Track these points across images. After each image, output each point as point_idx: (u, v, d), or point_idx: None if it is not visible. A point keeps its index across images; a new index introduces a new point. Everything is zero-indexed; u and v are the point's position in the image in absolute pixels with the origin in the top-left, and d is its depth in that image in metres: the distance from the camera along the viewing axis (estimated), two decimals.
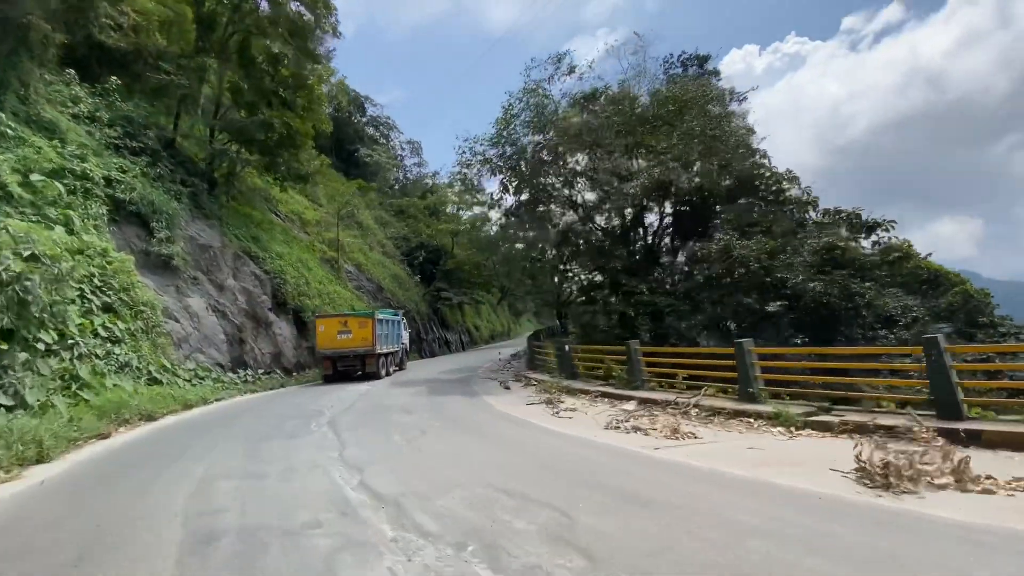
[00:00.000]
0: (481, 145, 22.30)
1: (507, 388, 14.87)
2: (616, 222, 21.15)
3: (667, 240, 21.12)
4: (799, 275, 13.94)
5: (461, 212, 46.44)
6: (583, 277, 24.69)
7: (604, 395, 11.85)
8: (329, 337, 18.77)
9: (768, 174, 19.09)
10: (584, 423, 9.34)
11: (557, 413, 10.51)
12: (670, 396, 10.45)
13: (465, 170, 23.06)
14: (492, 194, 26.17)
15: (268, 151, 22.90)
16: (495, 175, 25.37)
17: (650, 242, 20.29)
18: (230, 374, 16.85)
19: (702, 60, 23.15)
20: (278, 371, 19.56)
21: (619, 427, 8.73)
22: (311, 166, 27.63)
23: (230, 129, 21.94)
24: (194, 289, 17.33)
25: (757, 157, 20.42)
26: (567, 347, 14.44)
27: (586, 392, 12.45)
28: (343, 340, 18.80)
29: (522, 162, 21.96)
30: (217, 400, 14.05)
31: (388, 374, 20.65)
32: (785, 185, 18.83)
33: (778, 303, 14.01)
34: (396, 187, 58.71)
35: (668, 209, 21.10)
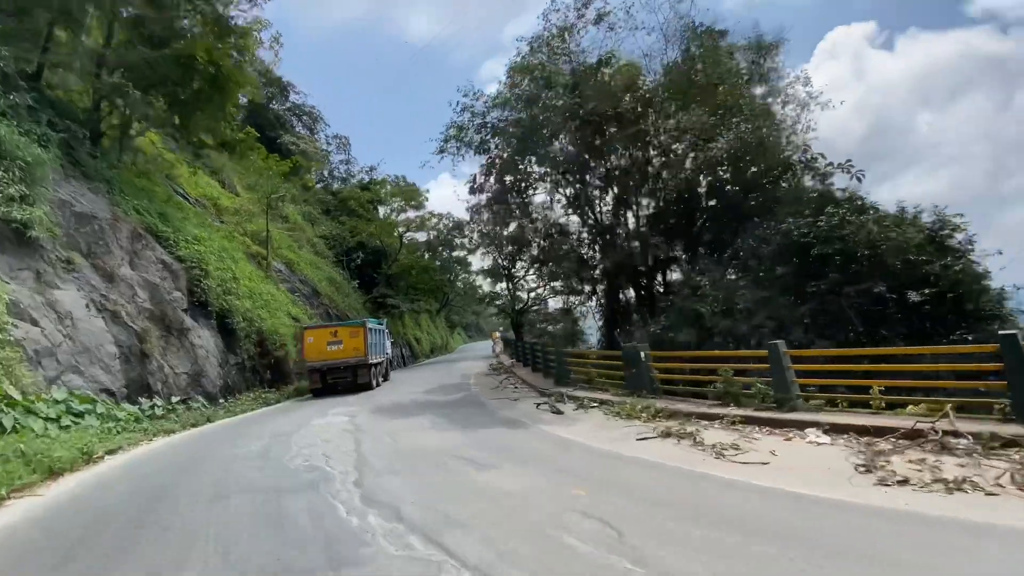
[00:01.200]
0: (483, 104, 18.07)
1: (557, 412, 10.70)
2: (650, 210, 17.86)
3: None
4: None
5: (402, 213, 41.34)
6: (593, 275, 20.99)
7: (748, 420, 8.13)
8: (318, 349, 17.89)
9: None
10: (819, 474, 5.51)
11: (719, 455, 6.61)
12: (879, 420, 6.98)
13: (454, 139, 18.56)
14: (475, 175, 21.92)
15: (182, 104, 17.04)
16: (479, 154, 21.23)
17: (697, 231, 17.01)
18: (126, 406, 11.09)
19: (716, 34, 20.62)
20: (199, 396, 13.78)
21: (881, 477, 5.13)
22: (234, 136, 21.76)
23: (128, 66, 15.82)
24: (67, 277, 11.40)
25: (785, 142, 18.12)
26: (643, 354, 10.58)
27: (708, 416, 8.66)
28: (333, 351, 17.94)
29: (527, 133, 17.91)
30: (109, 454, 8.50)
31: (378, 384, 19.74)
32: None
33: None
34: (323, 185, 52.12)
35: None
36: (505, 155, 21.30)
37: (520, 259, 26.64)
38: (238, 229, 25.71)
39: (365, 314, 35.96)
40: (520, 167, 21.65)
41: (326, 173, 54.62)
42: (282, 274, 26.68)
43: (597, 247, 25.57)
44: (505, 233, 26.70)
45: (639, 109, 18.39)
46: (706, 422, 8.62)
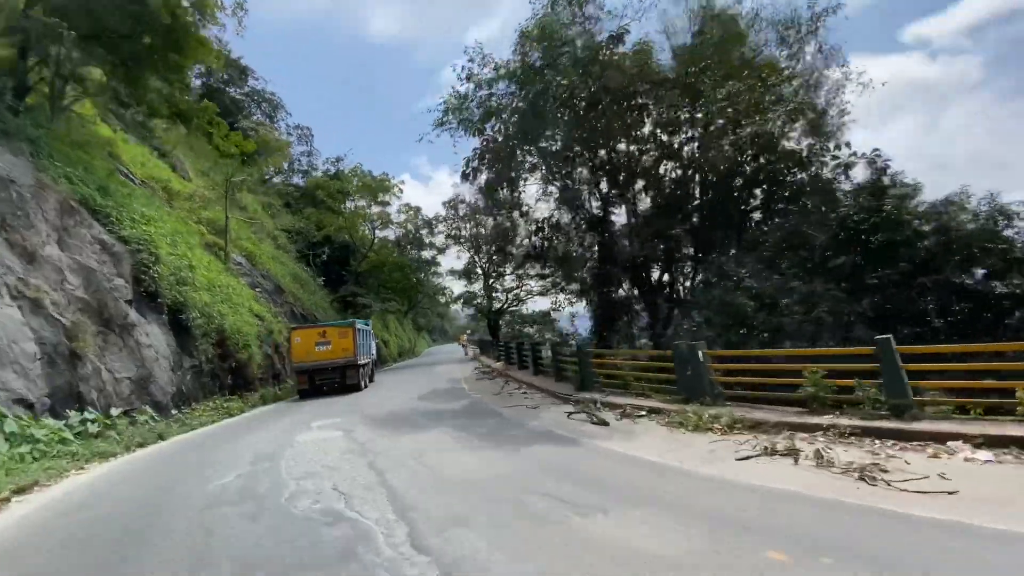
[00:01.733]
0: (490, 72, 16.17)
1: (600, 422, 8.93)
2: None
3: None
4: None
5: (374, 206, 38.66)
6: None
7: (863, 432, 6.62)
8: (306, 349, 17.68)
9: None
10: None
11: (871, 480, 5.04)
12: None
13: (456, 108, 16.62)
14: (467, 159, 19.95)
15: (131, 61, 14.38)
16: (476, 135, 19.32)
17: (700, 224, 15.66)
18: (48, 421, 8.55)
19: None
20: (146, 407, 11.21)
21: None
22: (191, 104, 19.03)
23: (63, 9, 13.03)
24: None
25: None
26: (701, 353, 8.97)
27: (804, 428, 7.13)
28: (322, 352, 17.70)
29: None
30: (17, 494, 6.11)
31: (366, 386, 19.59)
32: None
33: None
34: (283, 179, 48.70)
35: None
36: (500, 138, 19.47)
37: (506, 257, 24.61)
38: (192, 216, 22.73)
39: (332, 314, 33.20)
40: (516, 154, 19.88)
41: (286, 165, 51.09)
42: (242, 267, 23.82)
43: (590, 241, 24.13)
44: (492, 224, 24.78)
45: (652, 91, 17.00)
46: (804, 434, 7.07)
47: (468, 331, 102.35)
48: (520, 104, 16.08)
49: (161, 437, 10.07)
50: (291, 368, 18.48)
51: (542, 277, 25.39)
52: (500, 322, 40.57)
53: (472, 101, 16.74)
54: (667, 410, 9.02)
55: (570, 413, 9.96)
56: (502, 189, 23.31)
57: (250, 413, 14.65)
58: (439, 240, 44.71)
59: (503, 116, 18.04)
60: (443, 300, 55.92)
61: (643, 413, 9.34)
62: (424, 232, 45.50)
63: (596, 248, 23.50)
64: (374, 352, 23.58)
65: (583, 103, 17.59)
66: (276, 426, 11.13)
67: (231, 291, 18.51)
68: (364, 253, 36.84)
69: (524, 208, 24.26)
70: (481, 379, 19.40)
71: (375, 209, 39.08)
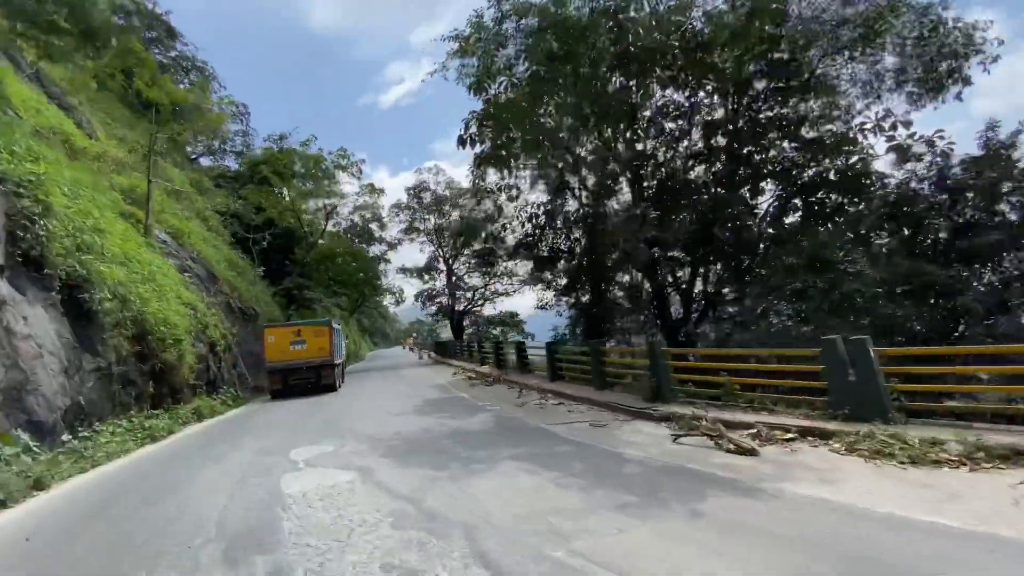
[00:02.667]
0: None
1: (741, 451, 6.18)
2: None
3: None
4: None
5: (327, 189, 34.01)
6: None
7: None
8: (280, 349, 17.32)
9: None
10: None
11: None
12: None
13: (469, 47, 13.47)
14: (466, 120, 16.64)
15: None
16: (477, 94, 16.11)
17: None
18: None
19: None
20: (19, 431, 7.15)
21: None
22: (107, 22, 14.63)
23: None
24: None
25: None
26: (871, 351, 6.44)
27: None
28: (297, 351, 17.36)
29: None
30: None
31: (340, 386, 19.04)
32: None
33: None
34: (211, 160, 42.79)
35: None
36: (503, 99, 16.43)
37: (495, 246, 21.49)
38: (102, 180, 17.86)
39: (275, 308, 28.58)
40: (522, 121, 16.90)
41: (218, 144, 44.91)
42: (168, 247, 19.12)
43: (584, 230, 21.54)
44: (475, 208, 21.56)
45: (691, 52, 14.68)
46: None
47: (413, 334, 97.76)
48: (543, 45, 13.12)
49: (39, 484, 6.17)
50: (265, 367, 18.00)
51: (539, 269, 22.38)
52: (464, 322, 37.23)
53: (492, 31, 13.59)
54: (830, 431, 6.41)
55: (675, 436, 7.11)
56: (497, 168, 20.25)
57: (183, 434, 10.69)
58: (391, 234, 40.81)
59: (514, 70, 15.05)
60: (393, 300, 51.71)
61: (791, 435, 6.66)
62: (374, 226, 41.36)
63: (590, 236, 20.98)
64: (343, 352, 22.41)
65: (605, 62, 14.98)
66: (235, 461, 7.48)
67: (155, 271, 14.19)
68: (312, 241, 32.23)
69: (516, 192, 21.31)
70: (476, 385, 16.17)
71: (328, 198, 34.32)
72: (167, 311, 13.14)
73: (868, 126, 14.27)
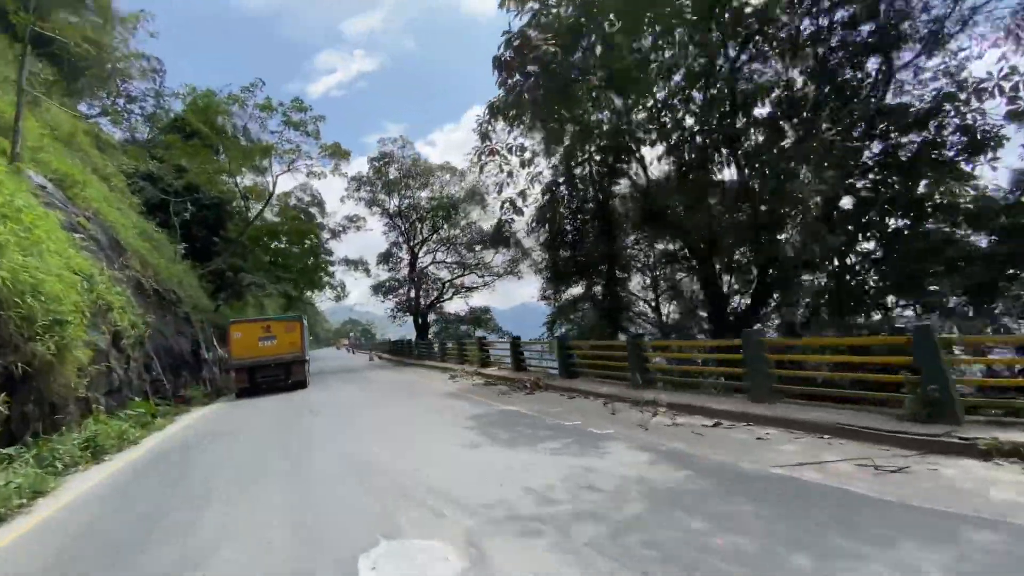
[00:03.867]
0: None
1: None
2: None
3: None
4: None
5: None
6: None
7: None
8: (248, 345, 16.45)
9: None
10: None
11: None
12: None
13: None
14: (500, 46, 12.38)
15: None
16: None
17: None
18: None
19: None
20: None
21: None
22: None
23: None
24: None
25: None
26: None
27: None
28: (266, 347, 16.59)
29: None
30: None
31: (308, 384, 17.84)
32: None
33: None
34: (108, 121, 34.77)
35: None
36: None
37: (512, 213, 17.29)
38: None
39: (201, 293, 22.53)
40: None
41: (123, 103, 36.72)
42: (49, 195, 13.20)
43: (595, 209, 17.93)
44: (483, 171, 17.23)
45: None
46: None
47: (351, 334, 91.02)
48: None
49: None
50: (230, 365, 17.19)
51: (552, 248, 18.40)
52: (429, 319, 32.47)
53: None
54: None
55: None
56: (511, 123, 16.06)
57: (50, 511, 5.71)
58: (334, 220, 35.19)
59: None
60: (333, 295, 45.70)
61: None
62: (315, 210, 35.52)
63: (603, 216, 17.43)
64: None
65: None
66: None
67: (25, 217, 8.77)
68: (249, 217, 26.10)
69: (529, 156, 17.21)
70: (507, 393, 11.94)
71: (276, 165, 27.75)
72: (42, 274, 7.87)
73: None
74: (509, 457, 5.97)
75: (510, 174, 17.46)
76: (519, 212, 16.31)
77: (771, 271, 13.70)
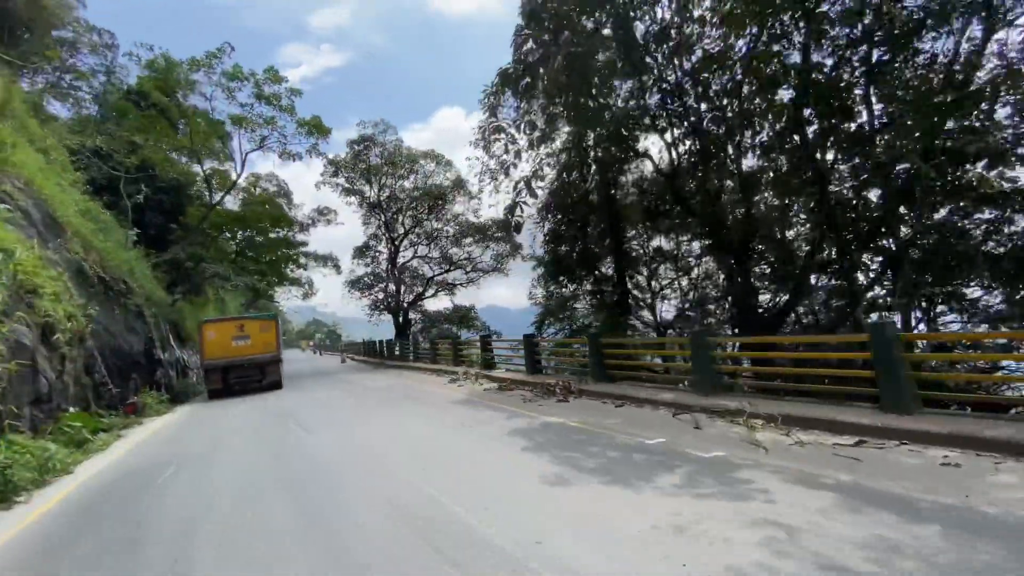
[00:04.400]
0: None
1: None
2: None
3: None
4: None
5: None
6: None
7: None
8: (221, 345, 15.95)
9: None
10: None
11: None
12: None
13: None
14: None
15: None
16: None
17: None
18: None
19: None
20: None
21: None
22: None
23: None
24: None
25: None
26: None
27: None
28: (240, 347, 16.06)
29: None
30: None
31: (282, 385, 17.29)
32: None
33: None
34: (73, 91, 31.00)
35: None
36: None
37: (527, 194, 15.47)
38: None
39: (154, 284, 19.73)
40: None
41: (70, 78, 32.74)
42: None
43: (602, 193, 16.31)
44: (492, 155, 15.36)
45: None
46: None
47: (316, 335, 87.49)
48: None
49: None
50: (203, 365, 16.50)
51: (555, 242, 16.66)
52: (411, 317, 30.20)
53: None
54: None
55: None
56: (521, 97, 14.27)
57: None
58: (302, 213, 32.61)
59: None
60: (300, 293, 42.95)
61: None
62: (282, 201, 32.79)
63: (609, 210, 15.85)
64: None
65: None
66: None
67: None
68: (211, 204, 23.25)
69: (538, 134, 15.43)
70: (533, 400, 10.08)
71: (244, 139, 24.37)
72: None
73: None
74: (634, 504, 4.15)
75: (518, 154, 15.64)
76: (533, 194, 14.49)
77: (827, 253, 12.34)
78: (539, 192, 15.56)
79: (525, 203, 14.18)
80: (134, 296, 16.29)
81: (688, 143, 14.72)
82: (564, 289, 19.51)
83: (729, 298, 14.88)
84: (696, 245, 16.95)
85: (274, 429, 9.23)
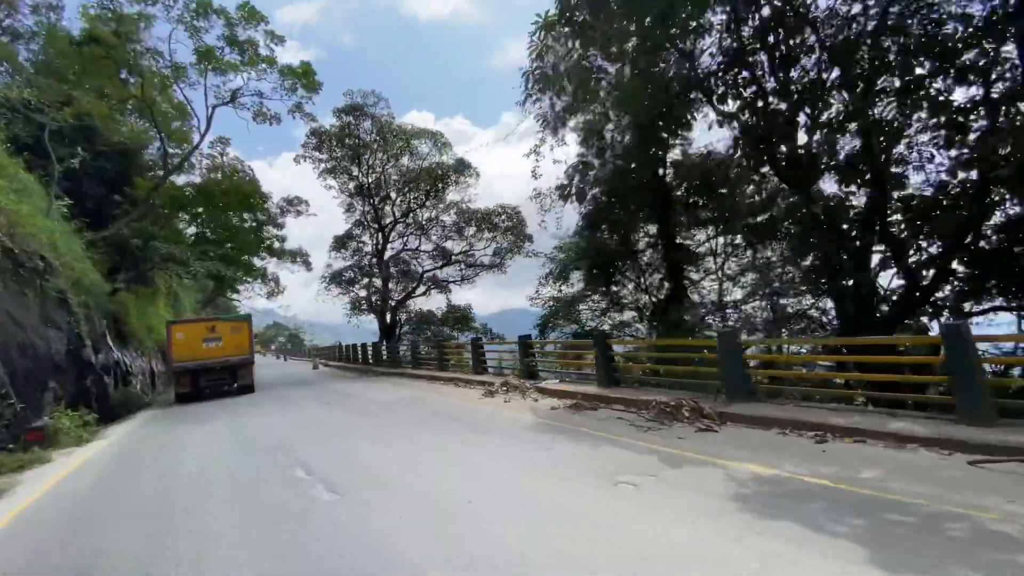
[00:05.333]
0: None
1: None
2: None
3: None
4: None
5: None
6: None
7: None
8: (190, 346, 15.08)
9: None
10: None
11: None
12: None
13: None
14: None
15: None
16: None
17: None
18: None
19: None
20: None
21: None
22: None
23: None
24: None
25: None
26: None
27: None
28: (210, 349, 15.25)
29: None
30: None
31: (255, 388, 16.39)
32: None
33: None
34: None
35: None
36: None
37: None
38: None
39: (90, 265, 15.49)
40: None
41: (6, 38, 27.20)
42: None
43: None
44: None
45: None
46: None
47: (279, 338, 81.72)
48: None
49: None
50: (171, 368, 15.86)
51: (591, 232, 13.62)
52: (399, 319, 26.50)
53: None
54: None
55: None
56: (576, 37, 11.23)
57: None
58: (271, 204, 28.49)
59: None
60: (265, 292, 38.61)
61: None
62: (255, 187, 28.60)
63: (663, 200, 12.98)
64: None
65: None
66: None
67: None
68: (167, 169, 18.96)
69: (598, 76, 12.35)
70: (646, 426, 6.90)
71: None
72: None
73: None
74: None
75: (562, 121, 12.50)
76: (601, 152, 11.35)
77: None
78: (594, 163, 12.41)
79: (591, 162, 11.05)
80: (55, 277, 12.20)
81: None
82: (611, 285, 16.49)
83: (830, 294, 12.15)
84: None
85: (270, 485, 5.62)
